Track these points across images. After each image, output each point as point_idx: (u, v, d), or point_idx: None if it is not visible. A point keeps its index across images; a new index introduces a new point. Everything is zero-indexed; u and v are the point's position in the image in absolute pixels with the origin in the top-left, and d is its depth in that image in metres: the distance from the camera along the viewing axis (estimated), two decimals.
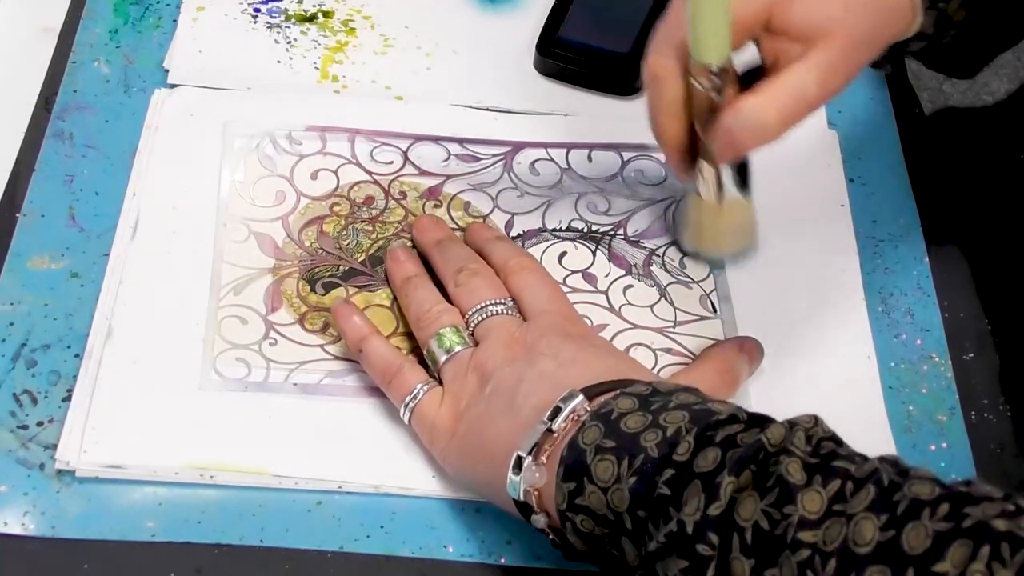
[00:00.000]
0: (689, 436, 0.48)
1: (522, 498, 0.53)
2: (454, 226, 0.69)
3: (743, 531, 0.45)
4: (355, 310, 0.62)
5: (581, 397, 0.53)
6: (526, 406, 0.55)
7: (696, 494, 0.47)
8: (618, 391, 0.53)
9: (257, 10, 0.78)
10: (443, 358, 0.59)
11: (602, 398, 0.53)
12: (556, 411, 0.53)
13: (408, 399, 0.59)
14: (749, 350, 0.62)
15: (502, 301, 0.61)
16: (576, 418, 0.52)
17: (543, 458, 0.52)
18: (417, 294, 0.63)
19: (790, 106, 0.58)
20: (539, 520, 0.53)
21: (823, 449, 0.47)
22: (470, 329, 0.61)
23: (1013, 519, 0.41)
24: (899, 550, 0.42)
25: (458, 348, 0.59)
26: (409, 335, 0.63)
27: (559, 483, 0.51)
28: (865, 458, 0.47)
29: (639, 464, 0.49)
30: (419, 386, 0.59)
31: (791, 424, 0.48)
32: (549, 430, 0.52)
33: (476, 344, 0.60)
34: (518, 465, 0.53)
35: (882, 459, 0.47)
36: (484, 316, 0.61)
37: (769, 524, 0.45)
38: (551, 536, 0.54)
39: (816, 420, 0.49)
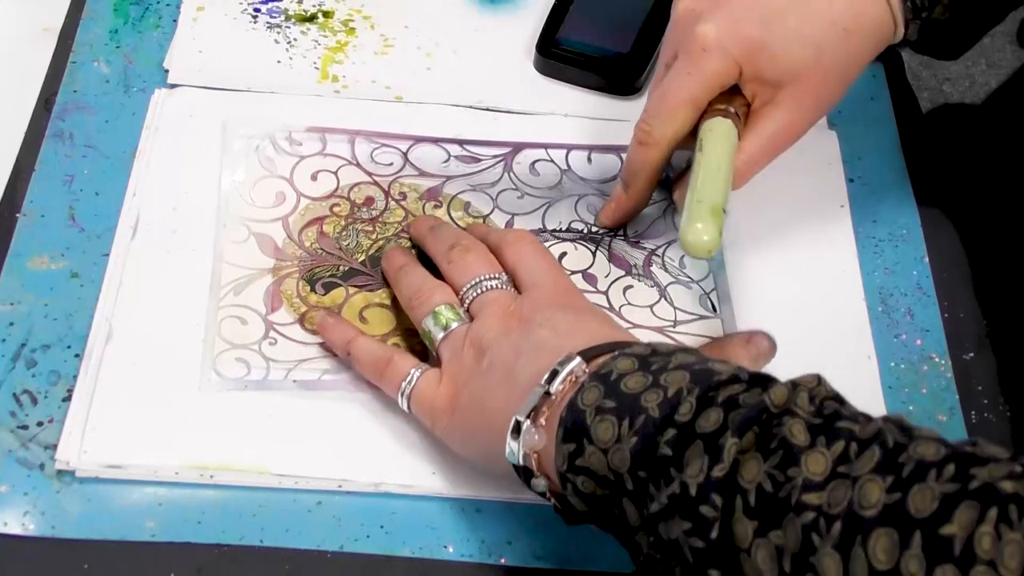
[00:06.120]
0: (691, 397, 0.48)
1: (521, 463, 0.53)
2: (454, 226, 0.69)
3: (746, 493, 0.45)
4: (337, 318, 0.63)
5: (579, 359, 0.52)
6: (524, 374, 0.54)
7: (699, 455, 0.46)
8: (617, 352, 0.52)
9: (257, 10, 0.78)
10: (440, 335, 0.59)
11: (601, 359, 0.53)
12: (554, 374, 0.52)
13: (404, 385, 0.59)
14: (757, 343, 0.61)
15: (496, 276, 0.61)
16: (575, 379, 0.52)
17: (542, 420, 0.52)
18: (408, 278, 0.63)
19: (757, 155, 0.64)
20: (539, 484, 0.53)
21: (826, 409, 0.47)
22: (465, 305, 0.60)
23: (1021, 480, 0.41)
24: (905, 512, 0.42)
25: (454, 324, 0.59)
26: (409, 332, 0.63)
27: (559, 444, 0.51)
28: (869, 418, 0.47)
29: (640, 425, 0.48)
30: (413, 371, 0.59)
31: (794, 384, 0.48)
32: (547, 393, 0.52)
33: (472, 320, 0.60)
34: (516, 430, 0.52)
35: (886, 419, 0.46)
36: (479, 292, 0.60)
37: (773, 486, 0.45)
38: (552, 500, 0.53)
39: (819, 379, 0.48)
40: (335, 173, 0.71)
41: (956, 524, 0.41)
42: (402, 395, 0.59)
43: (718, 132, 0.62)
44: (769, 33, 0.62)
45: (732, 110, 0.63)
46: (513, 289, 0.61)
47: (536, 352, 0.55)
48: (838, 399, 0.48)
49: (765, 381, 0.49)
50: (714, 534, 0.45)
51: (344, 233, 0.68)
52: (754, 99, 0.63)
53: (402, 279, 0.63)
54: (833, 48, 0.62)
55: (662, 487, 0.47)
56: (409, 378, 0.59)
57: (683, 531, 0.46)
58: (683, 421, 0.47)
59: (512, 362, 0.55)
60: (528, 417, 0.52)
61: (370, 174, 0.71)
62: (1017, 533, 0.40)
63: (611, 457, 0.49)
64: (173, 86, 0.73)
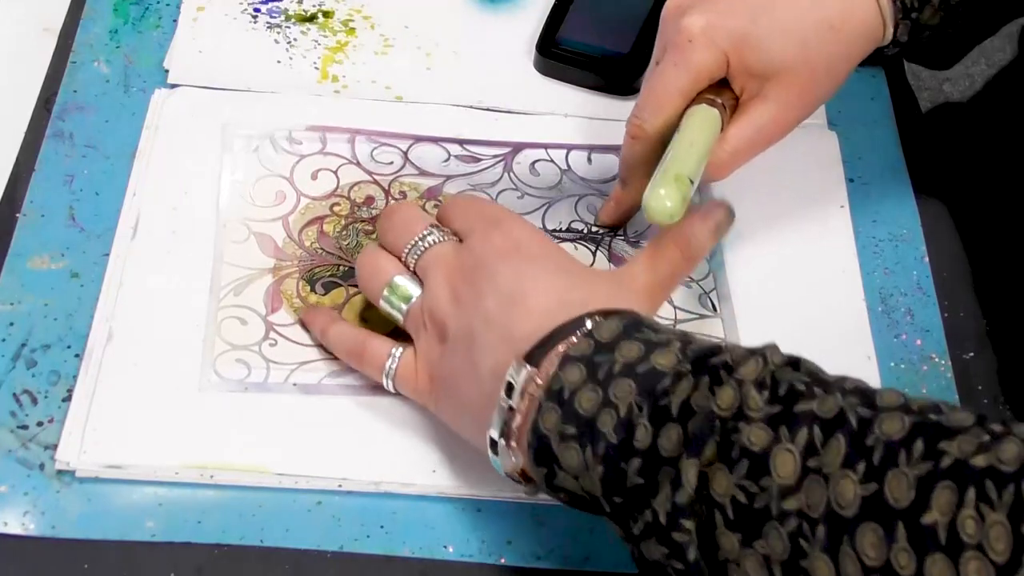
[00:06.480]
0: (643, 418, 0.47)
1: (506, 476, 0.53)
2: None
3: (723, 507, 0.45)
4: (316, 307, 0.63)
5: (527, 370, 0.51)
6: (484, 369, 0.54)
7: (667, 480, 0.46)
8: (563, 354, 0.51)
9: (257, 10, 0.78)
10: (402, 312, 0.59)
11: (548, 362, 0.51)
12: (510, 386, 0.51)
13: (387, 368, 0.59)
14: (714, 216, 0.59)
15: (431, 230, 0.59)
16: (532, 396, 0.51)
17: (512, 442, 0.52)
18: (360, 256, 0.62)
19: (742, 146, 0.63)
20: (531, 491, 0.53)
21: (781, 387, 0.46)
22: (412, 269, 0.59)
23: (991, 451, 0.41)
24: (884, 504, 0.42)
25: (414, 296, 0.58)
26: None
27: (533, 466, 0.51)
28: (826, 386, 0.46)
29: (602, 452, 0.48)
30: (392, 353, 0.59)
31: (739, 382, 0.46)
32: (511, 407, 0.51)
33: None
34: (494, 446, 0.52)
35: (844, 388, 0.46)
36: (419, 252, 0.59)
37: (747, 498, 0.44)
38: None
39: (764, 358, 0.47)
40: (335, 172, 0.71)
41: (936, 511, 0.40)
42: (386, 378, 0.59)
43: (698, 115, 0.63)
44: (756, 26, 0.62)
45: (719, 101, 0.63)
46: (455, 240, 0.59)
47: (487, 335, 0.54)
48: (792, 364, 0.48)
49: (709, 367, 0.47)
50: (692, 556, 0.46)
51: (344, 233, 0.68)
52: (742, 93, 0.64)
53: (357, 260, 0.62)
54: (820, 43, 0.62)
55: (641, 512, 0.47)
56: (389, 361, 0.59)
57: (662, 554, 0.46)
58: (644, 448, 0.47)
59: (470, 346, 0.55)
60: (501, 435, 0.52)
61: (370, 173, 0.71)
62: (999, 513, 0.40)
63: (582, 482, 0.49)
64: (173, 86, 0.73)
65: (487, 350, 0.54)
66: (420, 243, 0.59)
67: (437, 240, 0.59)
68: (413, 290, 0.59)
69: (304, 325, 0.64)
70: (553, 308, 0.53)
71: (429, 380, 0.58)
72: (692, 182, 0.60)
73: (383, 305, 0.60)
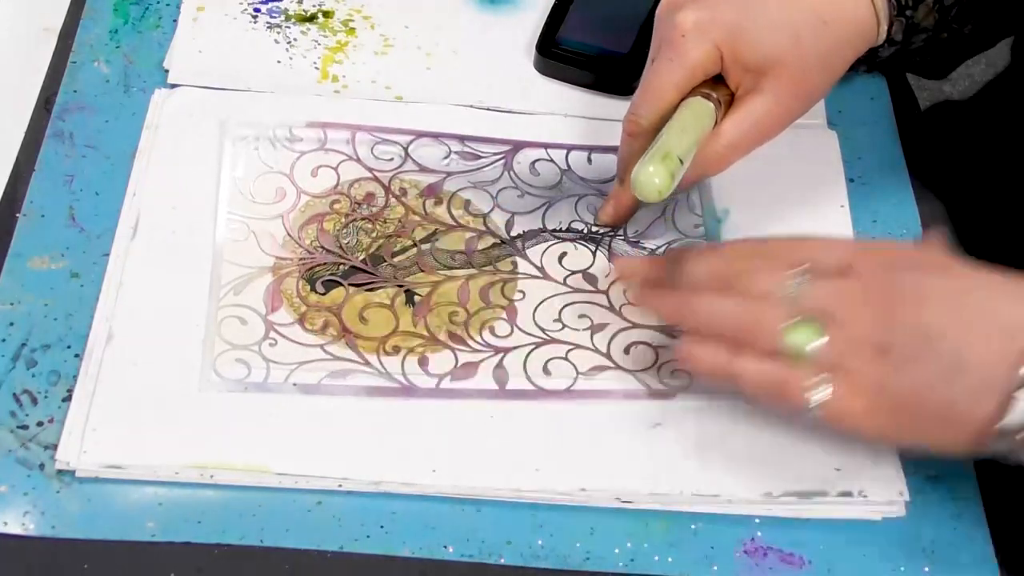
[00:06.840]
0: None
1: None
2: (453, 223, 0.69)
3: None
4: (702, 344, 0.59)
5: None
6: (976, 365, 0.53)
7: None
8: None
9: (257, 10, 0.78)
10: (814, 350, 0.55)
11: None
12: None
13: (813, 404, 0.56)
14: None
15: (793, 267, 0.57)
16: None
17: None
18: (703, 307, 0.59)
19: (738, 140, 0.64)
20: None
21: None
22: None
23: None
24: None
25: (816, 338, 0.55)
26: (409, 333, 0.63)
27: None
28: None
29: None
30: (820, 386, 0.56)
31: None
32: None
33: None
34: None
35: None
36: (800, 291, 0.56)
37: None
38: None
39: None
40: (335, 168, 0.71)
41: None
42: (811, 411, 0.56)
43: (690, 105, 0.63)
44: (748, 19, 0.62)
45: (715, 96, 0.63)
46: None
47: (961, 331, 0.53)
48: None
49: None
50: None
51: (344, 231, 0.68)
52: (737, 88, 0.64)
53: (697, 309, 0.59)
54: (812, 37, 0.63)
55: None
56: (820, 395, 0.55)
57: None
58: None
59: (937, 351, 0.54)
60: None
61: (370, 169, 0.71)
62: None
63: None
64: (173, 86, 0.73)
65: (970, 346, 0.53)
66: (795, 282, 0.57)
67: (808, 277, 0.57)
68: (816, 324, 0.56)
69: (690, 363, 0.60)
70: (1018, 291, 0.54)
71: (866, 399, 0.55)
72: (682, 162, 0.60)
73: (797, 344, 0.56)
